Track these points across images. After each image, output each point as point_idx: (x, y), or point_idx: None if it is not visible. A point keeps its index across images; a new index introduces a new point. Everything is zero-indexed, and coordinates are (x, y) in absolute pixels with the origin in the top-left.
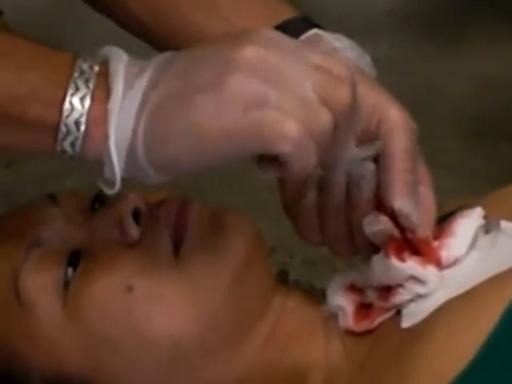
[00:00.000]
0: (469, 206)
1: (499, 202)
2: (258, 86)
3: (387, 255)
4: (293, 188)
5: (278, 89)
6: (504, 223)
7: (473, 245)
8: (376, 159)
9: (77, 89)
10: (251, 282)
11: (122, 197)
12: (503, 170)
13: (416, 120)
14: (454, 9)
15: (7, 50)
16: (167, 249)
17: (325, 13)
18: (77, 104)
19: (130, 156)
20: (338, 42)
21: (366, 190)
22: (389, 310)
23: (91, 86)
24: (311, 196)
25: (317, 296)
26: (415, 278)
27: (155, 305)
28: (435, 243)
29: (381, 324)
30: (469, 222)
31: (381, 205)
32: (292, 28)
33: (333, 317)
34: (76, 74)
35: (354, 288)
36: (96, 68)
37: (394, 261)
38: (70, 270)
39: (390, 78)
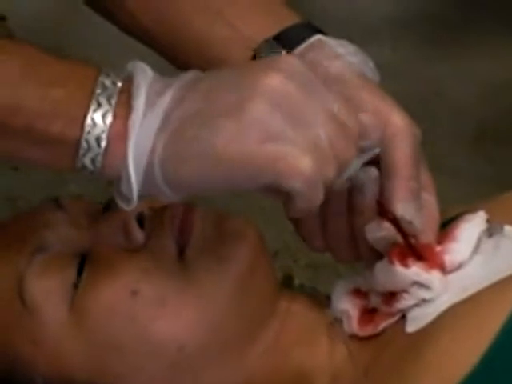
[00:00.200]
0: (472, 210)
1: (502, 207)
2: (277, 119)
3: (391, 261)
4: None
5: (295, 126)
6: (507, 227)
7: (476, 249)
8: (379, 165)
9: (99, 105)
10: (255, 287)
11: None
12: (506, 174)
13: (418, 125)
14: (455, 14)
15: (32, 64)
16: (172, 253)
17: (326, 18)
18: (99, 120)
19: (147, 174)
20: (341, 47)
21: (369, 197)
22: (393, 314)
23: (113, 102)
24: None
25: (321, 300)
26: (419, 283)
27: (160, 309)
28: (438, 248)
29: (385, 329)
30: (472, 227)
31: (383, 211)
32: (295, 34)
33: (337, 321)
34: (98, 91)
35: (358, 292)
36: (119, 84)
37: (398, 267)
38: (76, 275)
39: (391, 83)
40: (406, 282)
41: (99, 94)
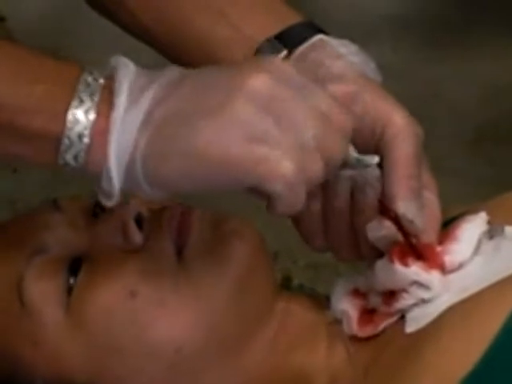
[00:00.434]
0: (472, 211)
1: (503, 207)
2: (260, 120)
3: (391, 260)
4: None
5: (279, 127)
6: (508, 228)
7: (477, 250)
8: (380, 165)
9: (81, 102)
10: (254, 288)
11: (124, 202)
12: (506, 175)
13: (418, 125)
14: (456, 15)
15: (15, 61)
16: (170, 254)
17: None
18: (81, 117)
19: (129, 170)
20: (342, 47)
21: (371, 196)
22: (393, 314)
23: (96, 99)
24: (315, 201)
25: (320, 301)
26: (419, 283)
27: (158, 310)
28: (439, 248)
29: (385, 329)
30: (473, 227)
31: (385, 210)
32: (297, 33)
33: (337, 322)
34: (81, 87)
35: (357, 293)
36: (101, 81)
37: (398, 266)
38: (72, 277)
39: (392, 84)
40: (405, 281)
41: (82, 91)
